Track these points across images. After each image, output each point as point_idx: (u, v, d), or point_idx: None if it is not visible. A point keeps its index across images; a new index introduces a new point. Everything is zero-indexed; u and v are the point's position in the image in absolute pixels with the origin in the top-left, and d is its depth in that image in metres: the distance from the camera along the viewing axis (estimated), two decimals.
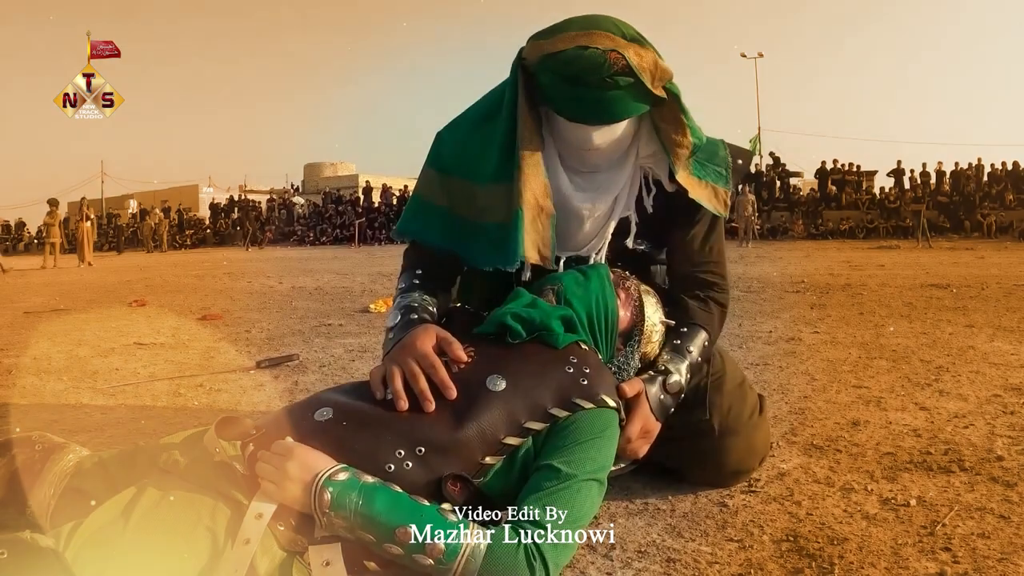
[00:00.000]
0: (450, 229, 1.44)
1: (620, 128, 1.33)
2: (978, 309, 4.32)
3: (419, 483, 1.03)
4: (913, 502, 1.40)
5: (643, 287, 1.39)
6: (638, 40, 1.27)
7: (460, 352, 1.19)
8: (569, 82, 1.26)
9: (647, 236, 1.47)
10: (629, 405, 1.28)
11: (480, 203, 1.40)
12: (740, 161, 1.50)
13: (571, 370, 1.17)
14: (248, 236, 26.07)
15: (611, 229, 1.44)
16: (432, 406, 1.11)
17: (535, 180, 1.33)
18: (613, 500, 1.45)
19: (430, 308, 1.38)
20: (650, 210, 1.44)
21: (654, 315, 1.36)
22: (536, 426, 1.11)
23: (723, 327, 1.51)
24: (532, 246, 1.34)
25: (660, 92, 1.30)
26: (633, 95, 1.26)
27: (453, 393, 1.13)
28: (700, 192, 1.41)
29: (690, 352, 1.39)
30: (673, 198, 1.42)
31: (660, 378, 1.34)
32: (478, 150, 1.40)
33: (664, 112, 1.35)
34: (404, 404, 1.11)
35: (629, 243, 1.45)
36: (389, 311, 1.40)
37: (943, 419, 1.97)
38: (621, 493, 1.48)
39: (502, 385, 1.13)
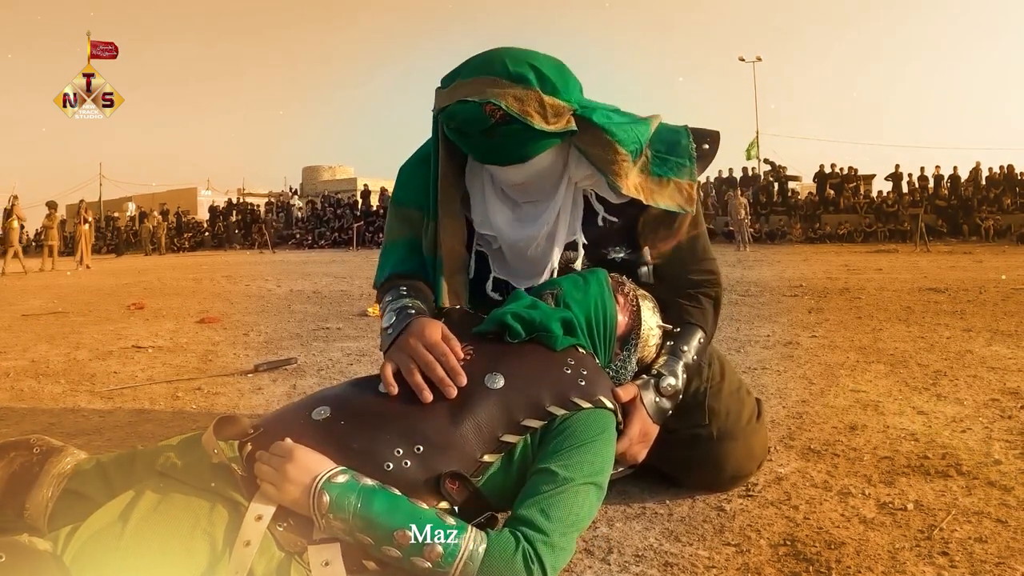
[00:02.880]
0: (416, 252, 1.48)
1: (536, 164, 1.32)
2: (976, 313, 4.33)
3: (418, 481, 1.03)
4: (910, 506, 1.40)
5: (640, 291, 1.39)
6: (523, 79, 1.23)
7: (457, 348, 1.19)
8: (458, 134, 1.30)
9: (625, 244, 1.46)
10: (626, 409, 1.28)
11: (425, 232, 1.46)
12: (707, 145, 1.45)
13: (569, 371, 1.18)
14: (266, 239, 26.20)
15: (556, 255, 1.43)
16: (454, 392, 1.12)
17: (449, 231, 1.40)
18: (610, 504, 1.45)
19: (424, 311, 1.37)
20: (614, 220, 1.43)
21: (651, 319, 1.36)
22: (534, 424, 1.11)
23: (719, 317, 1.50)
24: (450, 293, 1.41)
25: (563, 125, 1.27)
26: (525, 137, 1.25)
27: (463, 380, 1.13)
28: (660, 195, 1.38)
29: (684, 352, 1.39)
30: (642, 205, 1.40)
31: (653, 382, 1.34)
32: (422, 183, 1.45)
33: (585, 137, 1.32)
34: (429, 395, 1.12)
35: (578, 265, 1.44)
36: (384, 315, 1.39)
37: (941, 423, 1.98)
38: (618, 497, 1.48)
39: (500, 383, 1.14)
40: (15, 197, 15.13)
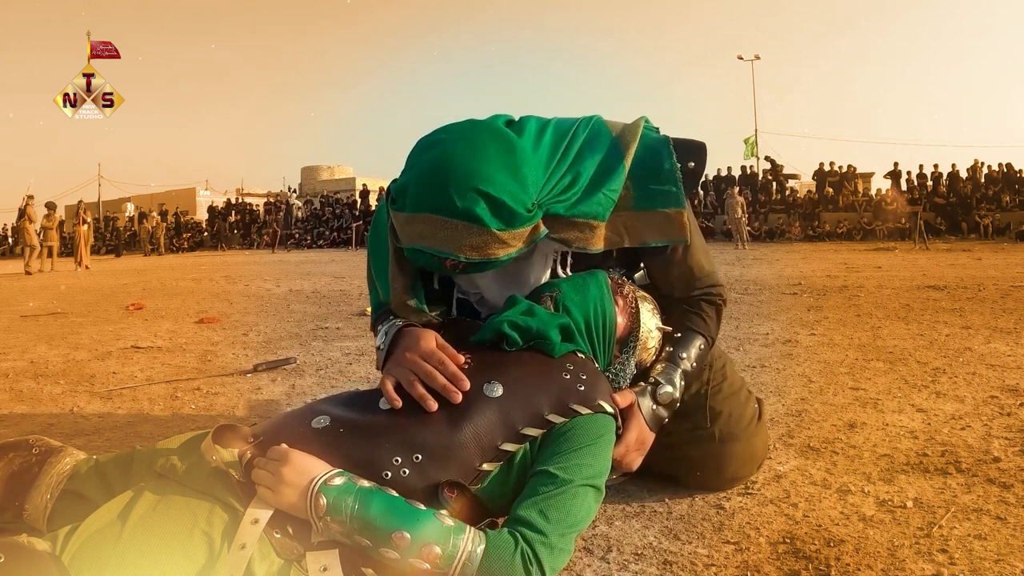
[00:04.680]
0: None
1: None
2: (975, 310, 4.33)
3: (416, 490, 1.03)
4: (910, 504, 1.40)
5: (640, 293, 1.38)
6: (473, 218, 1.13)
7: (455, 354, 1.18)
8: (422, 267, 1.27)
9: (620, 266, 1.43)
10: (624, 415, 1.28)
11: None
12: (692, 163, 1.38)
13: (568, 376, 1.17)
14: (276, 239, 26.16)
15: None
16: (459, 397, 1.11)
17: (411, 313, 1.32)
18: (610, 503, 1.45)
19: (414, 323, 1.33)
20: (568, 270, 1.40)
21: (650, 321, 1.35)
22: (533, 432, 1.10)
23: (721, 322, 1.47)
24: None
25: (527, 239, 1.21)
26: (492, 260, 1.20)
27: (467, 385, 1.13)
28: (648, 231, 1.34)
29: (683, 359, 1.38)
30: None
31: (651, 389, 1.33)
32: (380, 243, 1.36)
33: (555, 226, 1.26)
34: (434, 405, 1.11)
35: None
36: (377, 336, 1.36)
37: (940, 421, 1.98)
38: (618, 496, 1.48)
39: (499, 391, 1.13)
40: (30, 197, 15.17)
